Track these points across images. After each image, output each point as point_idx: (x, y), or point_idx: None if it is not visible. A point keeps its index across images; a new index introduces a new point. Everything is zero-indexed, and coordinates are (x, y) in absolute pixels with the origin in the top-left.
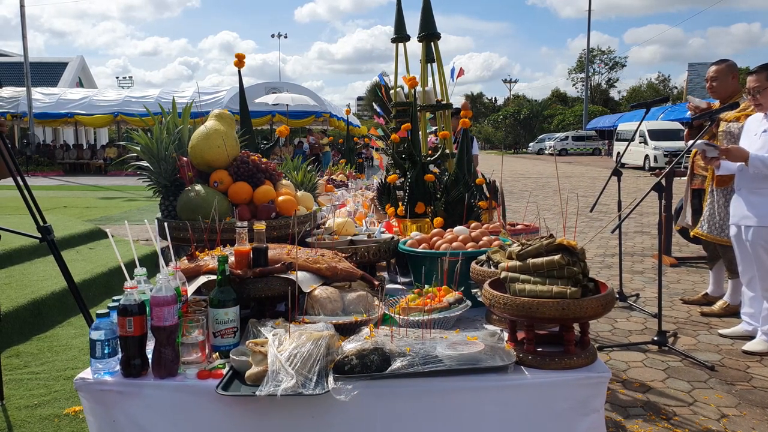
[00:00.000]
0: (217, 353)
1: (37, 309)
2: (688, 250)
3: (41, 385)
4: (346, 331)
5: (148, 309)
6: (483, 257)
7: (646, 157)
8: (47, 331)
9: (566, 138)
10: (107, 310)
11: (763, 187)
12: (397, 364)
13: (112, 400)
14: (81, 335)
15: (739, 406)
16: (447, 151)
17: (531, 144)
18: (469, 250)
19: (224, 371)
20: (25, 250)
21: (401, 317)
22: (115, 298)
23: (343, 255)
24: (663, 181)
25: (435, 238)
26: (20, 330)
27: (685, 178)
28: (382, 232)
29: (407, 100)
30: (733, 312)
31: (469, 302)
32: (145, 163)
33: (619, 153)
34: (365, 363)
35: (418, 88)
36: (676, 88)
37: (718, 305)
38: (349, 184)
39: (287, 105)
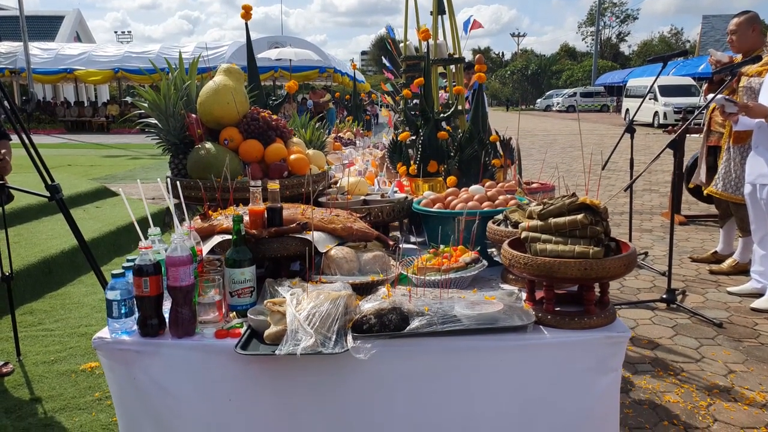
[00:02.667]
0: (234, 312)
1: (48, 267)
2: (696, 208)
3: (56, 342)
4: (362, 290)
5: (163, 269)
6: (500, 217)
7: (656, 113)
8: (59, 289)
9: (574, 94)
10: (122, 270)
11: None
12: (415, 323)
13: (131, 359)
14: (92, 293)
15: (747, 362)
16: (459, 107)
17: (538, 100)
18: (486, 209)
19: (242, 330)
20: (32, 209)
21: (417, 277)
22: (129, 257)
23: (357, 215)
24: (672, 138)
25: (450, 198)
26: (32, 288)
27: (697, 135)
28: (395, 192)
29: (417, 54)
30: (741, 270)
31: (485, 262)
32: (153, 120)
33: (628, 110)
34: (383, 322)
35: (430, 42)
36: (689, 41)
37: (727, 263)
38: (357, 142)
39: (290, 60)
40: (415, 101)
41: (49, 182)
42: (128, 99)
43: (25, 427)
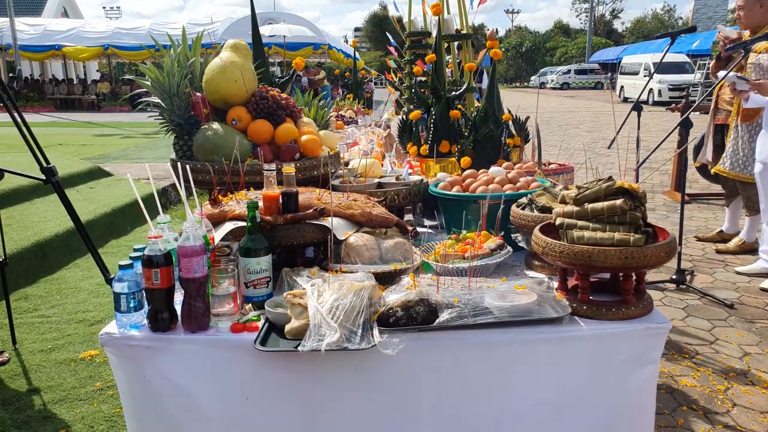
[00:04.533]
0: (250, 304)
1: (42, 251)
2: (698, 186)
3: (53, 329)
4: (384, 279)
5: (174, 259)
6: (523, 200)
7: (651, 91)
8: (54, 273)
9: (568, 71)
10: (130, 261)
11: None
12: (444, 316)
13: (141, 356)
14: (89, 277)
15: (761, 344)
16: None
17: (533, 77)
18: (509, 192)
19: (259, 324)
20: (24, 190)
21: (440, 265)
22: (136, 247)
23: (375, 199)
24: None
25: (469, 180)
26: (26, 273)
27: (700, 113)
28: (410, 174)
29: (422, 30)
30: (748, 249)
31: (510, 248)
32: (156, 100)
33: (623, 87)
34: (411, 315)
35: (440, 17)
36: (681, 18)
37: (734, 242)
38: (359, 120)
39: (284, 36)
40: (421, 78)
41: (45, 164)
42: (125, 77)
43: (23, 420)
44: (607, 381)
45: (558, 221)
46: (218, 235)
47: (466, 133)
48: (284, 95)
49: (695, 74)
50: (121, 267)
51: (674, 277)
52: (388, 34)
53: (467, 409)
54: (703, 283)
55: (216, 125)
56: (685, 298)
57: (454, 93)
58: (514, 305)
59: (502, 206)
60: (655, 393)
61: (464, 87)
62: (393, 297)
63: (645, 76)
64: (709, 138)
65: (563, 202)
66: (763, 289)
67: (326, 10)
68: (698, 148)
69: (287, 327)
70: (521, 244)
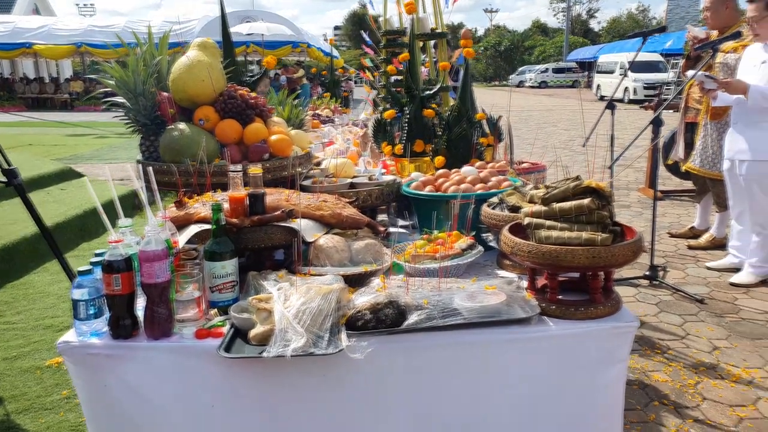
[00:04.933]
0: (215, 309)
1: (9, 255)
2: (671, 183)
3: (19, 336)
4: (354, 282)
5: (136, 263)
6: (494, 200)
7: (626, 89)
8: (21, 278)
9: (546, 70)
10: (89, 267)
11: (761, 121)
12: (413, 318)
13: (102, 364)
14: (57, 281)
15: (730, 338)
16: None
17: (511, 76)
18: (480, 192)
19: (224, 330)
20: None
21: (411, 265)
22: (97, 252)
23: (346, 200)
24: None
25: (441, 180)
26: None
27: (672, 111)
28: (383, 174)
29: (398, 28)
30: (718, 245)
31: (481, 248)
32: (120, 99)
33: (599, 85)
34: (380, 317)
35: (414, 15)
36: (655, 18)
37: (705, 238)
38: (336, 119)
39: (262, 35)
40: (396, 77)
41: (6, 166)
42: (89, 75)
43: None
44: (576, 380)
45: (526, 221)
46: (183, 238)
47: (440, 133)
48: (253, 94)
49: (668, 73)
50: (80, 273)
51: (647, 273)
52: (362, 33)
53: (438, 411)
54: (675, 279)
55: (183, 125)
56: (657, 294)
57: (428, 92)
58: (483, 306)
59: (473, 206)
60: (624, 391)
61: (438, 86)
62: (362, 299)
63: (620, 75)
64: (680, 136)
65: (532, 201)
66: (733, 284)
67: (306, 8)
68: (668, 146)
69: (252, 332)
70: (492, 244)
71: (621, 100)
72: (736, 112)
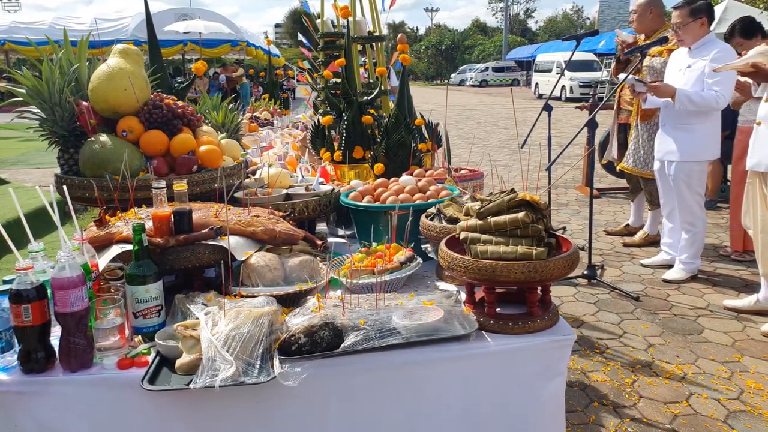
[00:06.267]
0: (140, 336)
1: None
2: (606, 181)
3: None
4: (288, 302)
5: (49, 291)
6: (432, 210)
7: (563, 87)
8: None
9: (486, 69)
10: None
11: (686, 123)
12: (350, 339)
13: (12, 402)
14: None
15: (663, 334)
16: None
17: (452, 75)
18: (418, 202)
19: (149, 358)
20: None
21: (349, 281)
22: (5, 279)
23: (280, 213)
24: (590, 116)
25: (380, 190)
26: None
27: (607, 111)
28: (321, 183)
29: (335, 30)
30: (652, 242)
31: (420, 260)
32: (34, 109)
33: (537, 84)
34: (315, 340)
35: (350, 19)
36: (588, 18)
37: (639, 235)
38: (275, 121)
39: (200, 33)
40: (336, 80)
41: None
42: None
43: None
44: (517, 396)
45: (462, 235)
46: (103, 260)
47: (378, 139)
48: (180, 103)
49: (602, 72)
50: None
51: (586, 272)
52: (300, 34)
53: None
54: (612, 277)
55: (104, 137)
56: (596, 293)
57: (366, 98)
58: (421, 324)
59: (411, 217)
60: (564, 402)
61: (376, 92)
62: (296, 321)
63: (557, 74)
64: (614, 136)
65: (468, 214)
66: (665, 280)
67: (246, 6)
68: (603, 146)
69: (178, 362)
70: (431, 255)
71: (558, 98)
72: (664, 114)
